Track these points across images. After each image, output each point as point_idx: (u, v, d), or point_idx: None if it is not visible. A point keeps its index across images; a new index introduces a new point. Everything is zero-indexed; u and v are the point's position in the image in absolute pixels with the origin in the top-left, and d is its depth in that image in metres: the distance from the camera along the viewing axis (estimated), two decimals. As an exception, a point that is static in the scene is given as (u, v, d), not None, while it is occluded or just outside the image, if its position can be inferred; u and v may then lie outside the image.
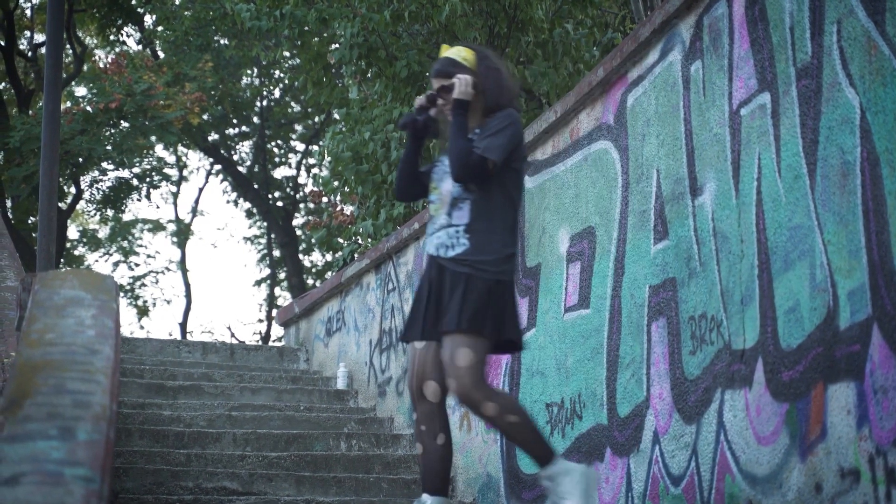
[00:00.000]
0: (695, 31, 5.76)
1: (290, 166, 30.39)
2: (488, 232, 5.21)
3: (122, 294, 29.37)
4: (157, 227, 33.04)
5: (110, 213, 27.65)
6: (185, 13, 22.02)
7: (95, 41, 27.04)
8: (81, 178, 23.98)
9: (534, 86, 13.08)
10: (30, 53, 25.50)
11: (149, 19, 24.27)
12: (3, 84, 24.58)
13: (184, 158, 31.51)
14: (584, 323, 6.56)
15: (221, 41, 23.18)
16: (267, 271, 32.22)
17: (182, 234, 32.77)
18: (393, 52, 13.00)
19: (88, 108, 21.63)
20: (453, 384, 5.07)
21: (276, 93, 28.42)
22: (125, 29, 24.77)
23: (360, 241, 14.03)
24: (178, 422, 8.08)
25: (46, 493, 3.09)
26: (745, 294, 5.21)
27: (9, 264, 9.53)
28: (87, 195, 24.98)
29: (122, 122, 21.59)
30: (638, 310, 6.10)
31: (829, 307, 4.59)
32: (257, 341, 31.87)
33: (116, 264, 31.70)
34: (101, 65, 25.86)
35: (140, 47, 26.27)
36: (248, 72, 26.69)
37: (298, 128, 29.83)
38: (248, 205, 30.53)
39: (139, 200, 25.36)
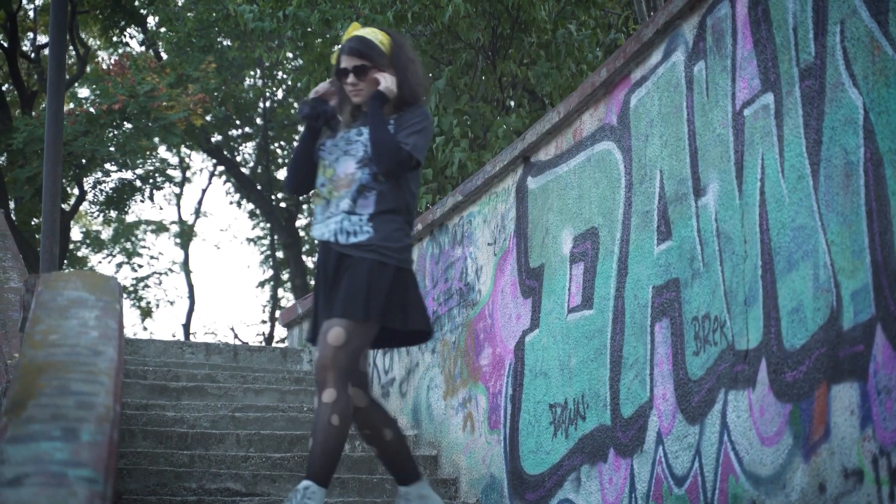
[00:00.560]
0: (698, 32, 5.76)
1: (293, 167, 30.33)
2: (392, 222, 5.21)
3: (125, 295, 29.36)
4: (160, 228, 33.07)
5: (113, 214, 27.67)
6: (188, 14, 22.03)
7: (98, 42, 27.08)
8: (85, 179, 23.99)
9: (537, 86, 13.09)
10: (33, 55, 25.52)
11: (152, 21, 24.30)
12: (7, 85, 24.59)
13: (187, 160, 31.53)
14: (588, 324, 6.56)
15: (224, 42, 23.19)
16: (270, 272, 32.23)
17: (185, 235, 32.78)
18: (396, 53, 12.97)
19: (91, 110, 21.63)
20: (316, 358, 5.12)
21: (280, 94, 28.43)
22: (128, 30, 24.81)
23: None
24: (181, 423, 8.07)
25: (50, 494, 3.09)
26: (749, 294, 5.21)
27: (12, 265, 9.54)
28: (90, 196, 24.99)
29: (125, 123, 21.60)
30: (641, 310, 6.10)
31: (833, 308, 4.59)
32: (260, 342, 31.87)
33: (120, 265, 31.72)
34: (105, 66, 25.87)
35: (143, 48, 26.28)
36: (251, 73, 26.69)
37: (299, 128, 29.83)
38: (251, 206, 30.55)
39: (142, 202, 25.40)
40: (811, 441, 4.66)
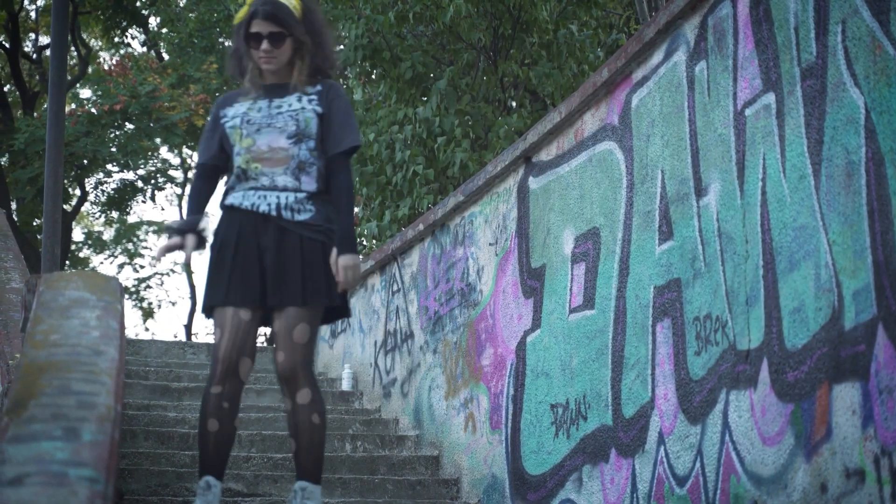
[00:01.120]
0: (699, 32, 5.76)
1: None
2: (327, 202, 5.12)
3: (126, 296, 29.37)
4: (161, 228, 33.06)
5: (115, 214, 27.69)
6: (190, 15, 22.05)
7: (100, 43, 27.09)
8: (86, 179, 24.02)
9: (538, 87, 13.09)
10: (34, 55, 25.54)
11: (153, 21, 24.31)
12: (8, 86, 24.61)
13: (188, 160, 31.54)
14: (589, 324, 6.56)
15: (226, 43, 23.20)
16: (271, 273, 32.15)
17: (187, 236, 32.68)
18: (397, 53, 13.01)
19: (93, 110, 21.66)
20: (282, 357, 4.95)
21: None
22: (130, 31, 24.83)
23: (364, 243, 14.04)
24: (182, 423, 8.08)
25: (51, 493, 3.09)
26: (750, 294, 5.20)
27: (14, 266, 9.54)
28: (91, 197, 25.02)
29: (126, 123, 21.62)
30: (643, 310, 6.10)
31: (834, 307, 4.58)
32: (262, 343, 31.87)
33: (121, 266, 31.74)
34: (106, 67, 25.90)
35: (145, 49, 26.29)
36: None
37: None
38: (252, 206, 30.47)
39: (144, 202, 25.41)
40: (813, 441, 4.66)
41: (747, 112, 5.30)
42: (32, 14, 25.76)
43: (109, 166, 23.70)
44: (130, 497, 6.66)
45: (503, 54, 13.30)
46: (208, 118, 5.44)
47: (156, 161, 25.76)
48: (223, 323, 4.99)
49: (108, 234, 31.83)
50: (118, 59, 26.47)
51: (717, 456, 5.39)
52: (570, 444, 6.62)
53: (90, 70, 25.30)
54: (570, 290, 6.77)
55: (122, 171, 24.05)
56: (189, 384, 8.91)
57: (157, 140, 22.93)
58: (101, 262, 31.65)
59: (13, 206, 22.78)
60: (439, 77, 13.04)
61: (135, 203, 25.18)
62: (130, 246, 32.06)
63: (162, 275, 33.06)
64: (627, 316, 6.23)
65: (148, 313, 32.76)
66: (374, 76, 13.61)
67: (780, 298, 4.97)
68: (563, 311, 6.82)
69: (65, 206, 22.42)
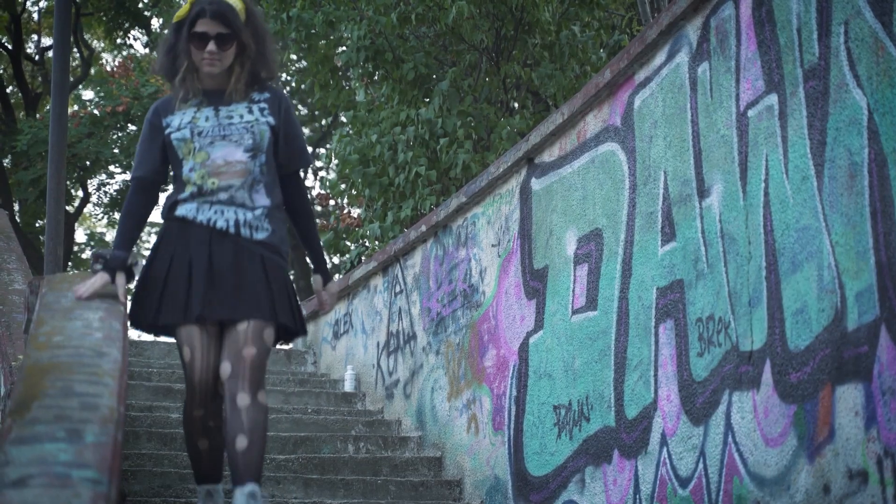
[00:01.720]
0: (702, 33, 5.76)
1: (296, 169, 30.35)
2: (284, 221, 4.96)
3: (129, 297, 29.31)
4: (92, 256, 32.97)
5: (117, 216, 27.68)
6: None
7: (102, 44, 27.09)
8: (89, 181, 24.02)
9: (541, 88, 13.09)
10: (37, 57, 25.54)
11: (156, 22, 24.31)
12: (11, 87, 24.62)
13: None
14: (592, 325, 6.56)
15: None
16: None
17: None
18: (400, 54, 13.01)
19: (96, 112, 21.67)
20: (253, 351, 4.70)
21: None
22: (132, 32, 24.82)
23: (367, 244, 14.04)
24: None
25: (54, 495, 3.09)
26: (753, 296, 5.20)
27: (16, 267, 9.54)
28: (94, 198, 25.01)
29: (129, 125, 21.63)
30: (645, 312, 6.10)
31: (837, 308, 4.58)
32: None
33: (124, 267, 31.67)
34: (109, 68, 25.91)
35: (147, 50, 26.29)
36: (255, 75, 26.65)
37: (305, 130, 29.86)
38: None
39: (146, 204, 25.39)
40: (815, 442, 4.66)
41: (750, 113, 5.30)
42: (35, 15, 25.77)
43: (112, 168, 23.70)
44: (133, 498, 6.66)
45: (505, 55, 13.30)
46: (144, 128, 5.08)
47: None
48: (192, 343, 4.77)
49: (111, 236, 31.84)
50: (121, 60, 26.48)
51: (719, 457, 5.39)
52: (573, 446, 6.62)
53: (93, 71, 25.30)
54: (573, 291, 6.77)
55: (125, 173, 24.04)
56: (192, 385, 8.90)
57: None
58: (104, 264, 31.63)
59: (16, 207, 22.80)
60: (442, 78, 13.04)
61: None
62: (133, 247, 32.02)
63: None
64: (630, 317, 6.23)
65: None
66: (376, 77, 13.60)
67: (782, 299, 4.97)
68: (565, 313, 6.82)
69: (67, 208, 22.44)
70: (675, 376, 5.79)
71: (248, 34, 4.88)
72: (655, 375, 5.97)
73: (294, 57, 22.64)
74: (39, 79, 24.89)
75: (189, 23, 4.85)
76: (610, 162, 6.53)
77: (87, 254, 30.50)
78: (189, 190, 4.84)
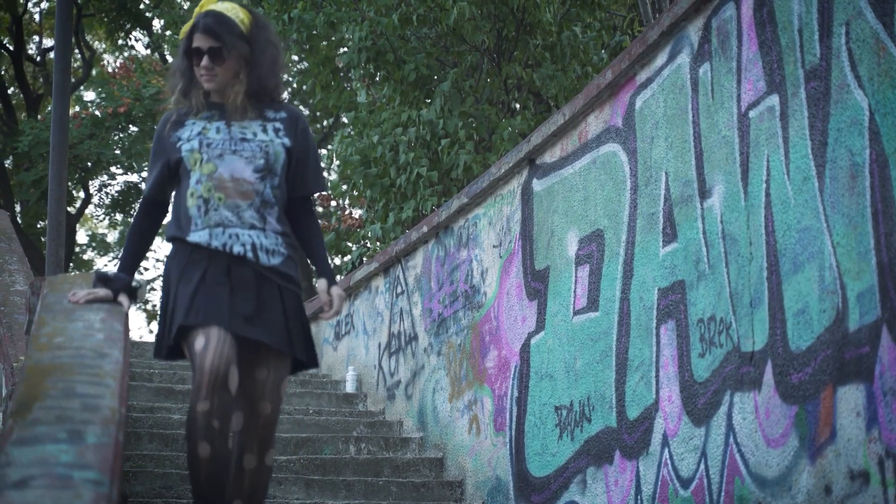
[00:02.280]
0: (703, 34, 5.76)
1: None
2: (291, 245, 4.73)
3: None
4: (165, 231, 33.04)
5: (119, 217, 27.69)
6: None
7: (104, 46, 27.11)
8: (90, 182, 24.04)
9: (542, 89, 13.09)
10: (38, 58, 25.57)
11: (157, 24, 24.32)
12: (12, 88, 24.64)
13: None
14: (593, 326, 6.56)
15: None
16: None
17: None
18: (401, 55, 13.01)
19: (97, 113, 21.69)
20: (268, 409, 4.55)
21: (285, 96, 28.43)
22: (133, 33, 24.84)
23: (368, 245, 14.04)
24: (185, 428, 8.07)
25: (55, 496, 3.09)
26: (754, 296, 5.20)
27: (18, 268, 9.54)
28: (95, 199, 25.03)
29: (130, 126, 21.64)
30: (647, 312, 6.10)
31: (839, 309, 4.58)
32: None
33: (125, 268, 31.71)
34: (110, 69, 25.92)
35: (148, 52, 26.31)
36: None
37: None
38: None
39: (147, 204, 25.42)
40: (817, 443, 4.66)
41: (751, 114, 5.30)
42: (36, 16, 25.79)
43: (113, 169, 23.72)
44: (135, 499, 6.67)
45: (507, 56, 13.30)
46: (154, 144, 4.89)
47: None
48: (207, 335, 4.47)
49: (112, 237, 31.85)
50: (122, 61, 26.49)
51: (721, 458, 5.38)
52: (575, 446, 6.62)
53: (94, 72, 25.31)
54: (574, 292, 6.77)
55: (126, 174, 24.11)
56: (193, 386, 8.90)
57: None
58: (105, 265, 31.66)
59: (17, 208, 22.81)
60: (443, 79, 13.05)
61: (138, 205, 25.18)
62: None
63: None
64: (631, 318, 6.23)
65: (152, 315, 32.78)
66: (377, 78, 13.61)
67: (784, 300, 4.97)
68: (567, 313, 6.82)
69: (69, 209, 22.45)
70: (677, 377, 5.79)
71: (245, 47, 4.66)
72: (657, 376, 5.97)
73: (295, 58, 22.64)
74: (41, 80, 24.91)
75: (187, 38, 4.72)
76: (611, 163, 6.53)
77: (88, 255, 30.54)
78: (194, 203, 4.62)
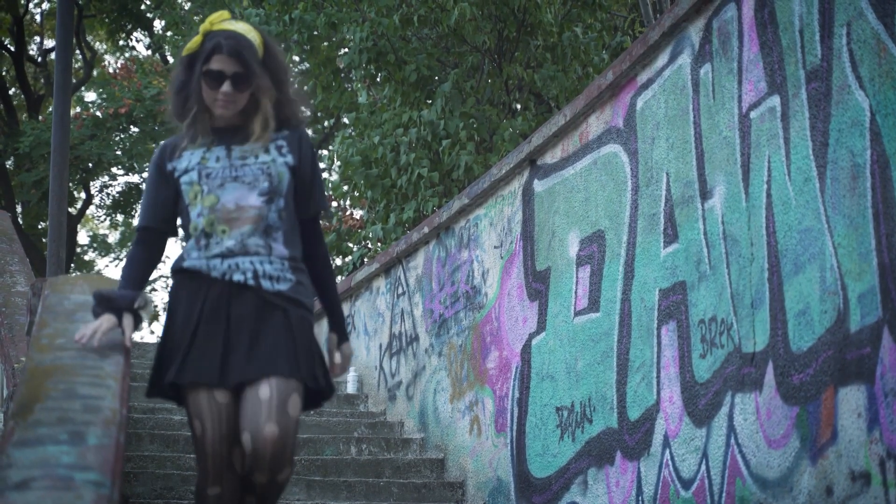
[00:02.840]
0: (704, 35, 5.75)
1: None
2: (304, 272, 4.38)
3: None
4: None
5: (120, 217, 27.71)
6: (195, 18, 22.05)
7: (105, 46, 27.12)
8: (91, 182, 24.05)
9: (543, 89, 13.09)
10: (39, 59, 25.58)
11: (158, 24, 24.32)
12: (13, 89, 24.65)
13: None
14: (594, 326, 6.56)
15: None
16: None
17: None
18: (402, 56, 13.02)
19: (98, 114, 21.70)
20: (276, 432, 4.08)
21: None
22: (134, 34, 24.85)
23: (369, 245, 14.05)
24: (188, 427, 8.07)
25: (57, 497, 3.09)
26: (756, 297, 5.20)
27: (19, 269, 9.54)
28: (97, 200, 25.04)
29: (131, 126, 21.65)
30: (648, 313, 6.10)
31: (840, 310, 4.58)
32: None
33: (126, 269, 31.71)
34: (111, 70, 25.93)
35: (149, 52, 26.32)
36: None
37: (307, 131, 29.80)
38: (257, 209, 30.48)
39: (149, 205, 25.43)
40: (818, 444, 4.66)
41: (752, 115, 5.30)
42: (37, 17, 25.80)
43: (114, 169, 23.73)
44: (136, 500, 6.67)
45: (508, 57, 13.30)
46: (150, 172, 4.51)
47: (154, 153, 25.79)
48: (200, 412, 4.19)
49: (114, 237, 31.85)
50: (123, 62, 26.50)
51: (722, 459, 5.38)
52: (576, 447, 6.62)
53: (95, 73, 25.32)
54: (575, 292, 6.77)
55: (127, 174, 24.10)
56: (194, 387, 8.90)
57: (162, 143, 22.97)
58: (107, 266, 31.74)
59: (18, 209, 22.82)
60: (444, 80, 13.05)
61: (139, 206, 25.20)
62: (135, 248, 32.06)
63: (167, 278, 33.07)
64: (632, 319, 6.22)
65: (154, 316, 32.77)
66: (378, 79, 13.61)
67: (785, 301, 4.97)
68: (568, 314, 6.82)
69: (70, 209, 22.46)
70: (678, 378, 5.79)
71: (266, 78, 4.32)
72: (658, 377, 5.97)
73: (296, 59, 22.64)
74: (42, 80, 24.92)
75: (204, 58, 4.28)
76: (612, 163, 6.53)
77: (89, 255, 30.56)
78: (195, 237, 4.28)
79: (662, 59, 6.13)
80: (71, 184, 22.13)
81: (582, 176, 6.81)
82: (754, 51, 5.30)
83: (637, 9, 14.56)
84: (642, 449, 6.04)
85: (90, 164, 21.88)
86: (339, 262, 22.38)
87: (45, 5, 25.15)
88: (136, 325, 4.34)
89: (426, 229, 8.71)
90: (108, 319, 4.29)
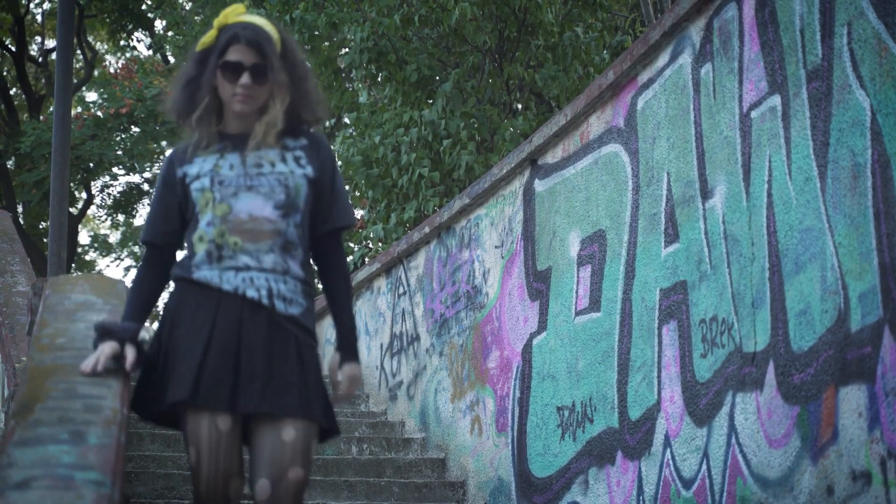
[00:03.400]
0: (705, 34, 5.75)
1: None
2: (309, 294, 4.10)
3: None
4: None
5: (121, 217, 27.72)
6: (196, 18, 22.06)
7: (106, 46, 27.12)
8: (92, 182, 24.05)
9: (544, 89, 13.10)
10: (40, 59, 25.59)
11: (159, 24, 24.33)
12: (14, 89, 24.66)
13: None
14: (595, 326, 6.56)
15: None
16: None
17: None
18: (403, 56, 13.02)
19: (99, 114, 21.70)
20: (300, 475, 3.88)
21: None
22: (135, 34, 24.85)
23: (370, 245, 14.05)
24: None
25: (57, 497, 3.09)
26: (756, 297, 5.20)
27: (20, 269, 9.55)
28: (97, 200, 25.04)
29: (132, 126, 21.65)
30: (648, 313, 6.10)
31: (841, 309, 4.58)
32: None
33: (127, 269, 31.78)
34: (112, 70, 25.94)
35: (150, 52, 26.32)
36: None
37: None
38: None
39: (150, 205, 25.48)
40: (819, 443, 4.66)
41: (753, 114, 5.30)
42: (38, 17, 25.81)
43: (115, 169, 23.73)
44: (137, 500, 6.67)
45: (508, 57, 13.30)
46: (157, 184, 4.22)
47: (161, 164, 25.81)
48: (197, 440, 3.89)
49: (114, 237, 31.88)
50: (124, 62, 26.51)
51: (723, 458, 5.38)
52: (577, 447, 6.62)
53: (96, 73, 25.33)
54: (576, 292, 6.77)
55: (128, 174, 24.11)
56: (195, 387, 8.90)
57: (163, 143, 22.96)
58: (108, 265, 31.79)
59: (19, 209, 22.82)
60: (445, 80, 13.05)
61: (141, 206, 25.19)
62: (136, 249, 32.11)
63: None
64: (633, 318, 6.22)
65: (154, 316, 32.77)
66: (379, 79, 13.61)
67: (786, 301, 4.97)
68: (568, 314, 6.82)
69: (71, 209, 22.46)
70: (679, 377, 5.79)
71: (283, 73, 4.02)
72: (659, 377, 5.97)
73: (297, 58, 22.64)
74: (43, 81, 24.93)
75: (219, 50, 4.00)
76: (613, 163, 6.53)
77: (90, 255, 30.56)
78: (204, 248, 3.98)
79: (663, 58, 6.13)
80: (72, 184, 22.14)
81: (583, 176, 6.81)
82: (755, 50, 5.30)
83: (638, 8, 14.56)
84: (643, 448, 6.04)
85: (91, 165, 21.88)
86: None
87: (46, 5, 25.17)
88: (137, 360, 4.01)
89: (427, 229, 8.71)
90: (109, 346, 4.01)
